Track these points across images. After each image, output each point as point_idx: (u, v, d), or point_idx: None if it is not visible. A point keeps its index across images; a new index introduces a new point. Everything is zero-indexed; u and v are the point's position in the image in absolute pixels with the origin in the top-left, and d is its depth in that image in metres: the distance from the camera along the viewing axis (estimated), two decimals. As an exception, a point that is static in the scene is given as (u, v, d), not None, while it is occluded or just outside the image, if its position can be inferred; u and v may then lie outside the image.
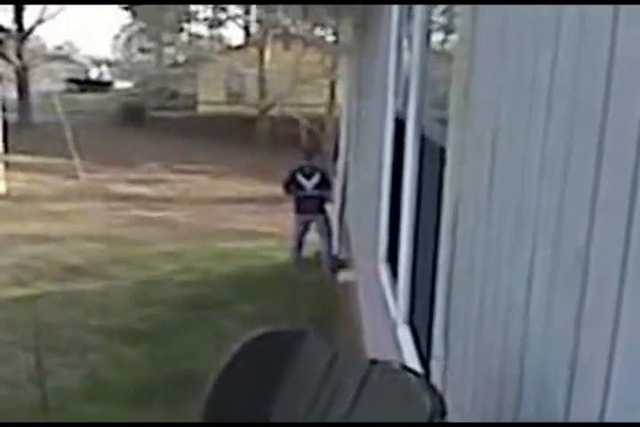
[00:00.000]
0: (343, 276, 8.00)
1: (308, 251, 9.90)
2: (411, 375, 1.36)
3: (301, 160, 9.75)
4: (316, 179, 9.47)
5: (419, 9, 2.74)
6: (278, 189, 10.38)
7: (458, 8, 2.17)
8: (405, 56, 3.51)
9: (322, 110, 25.83)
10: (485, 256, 1.69)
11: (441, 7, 2.57)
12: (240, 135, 26.77)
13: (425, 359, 2.56)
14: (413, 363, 2.57)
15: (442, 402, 1.29)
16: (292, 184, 9.53)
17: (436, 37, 2.68)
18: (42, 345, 6.25)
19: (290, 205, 9.97)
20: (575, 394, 1.16)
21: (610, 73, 1.03)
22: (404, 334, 2.85)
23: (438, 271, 2.10)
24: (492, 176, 1.62)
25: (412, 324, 2.90)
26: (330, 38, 22.86)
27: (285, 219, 11.71)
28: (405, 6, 3.45)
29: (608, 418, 1.03)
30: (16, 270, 9.21)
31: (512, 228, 1.48)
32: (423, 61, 2.70)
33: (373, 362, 1.45)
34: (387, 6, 4.41)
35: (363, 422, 1.43)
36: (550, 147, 1.29)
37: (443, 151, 2.11)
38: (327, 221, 9.67)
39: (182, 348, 6.53)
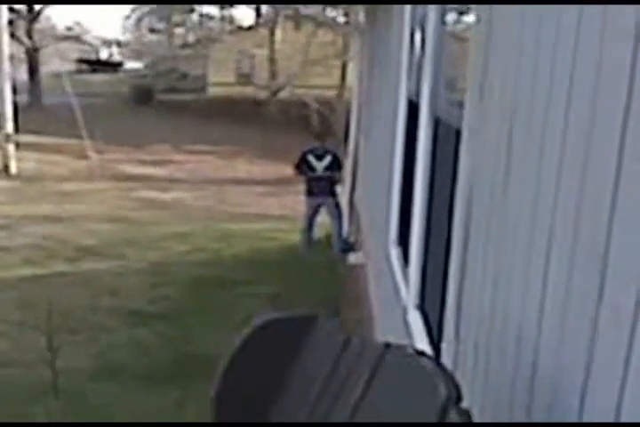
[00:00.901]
0: (353, 258, 8.00)
1: (318, 233, 9.90)
2: (425, 360, 1.34)
3: (312, 141, 9.72)
4: (327, 160, 9.44)
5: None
6: (288, 171, 10.36)
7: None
8: (419, 37, 3.47)
9: (333, 92, 25.70)
10: (500, 240, 1.67)
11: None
12: (250, 117, 26.71)
13: (435, 343, 2.55)
14: (424, 346, 2.57)
15: (457, 388, 1.27)
16: (302, 165, 9.50)
17: (452, 17, 2.65)
18: (54, 325, 6.28)
19: (300, 186, 9.95)
20: (591, 382, 1.14)
21: (635, 56, 1.01)
22: (415, 317, 2.84)
23: (451, 254, 2.08)
24: (509, 159, 1.60)
25: (422, 307, 2.89)
26: (341, 19, 22.67)
27: (295, 200, 11.71)
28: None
29: (625, 412, 1.01)
30: (28, 250, 9.25)
31: (529, 211, 1.46)
32: (438, 42, 2.67)
33: (387, 346, 1.43)
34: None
35: (368, 423, 1.44)
36: (570, 129, 1.27)
37: (458, 133, 2.08)
38: (338, 204, 9.65)
39: (194, 328, 6.55)
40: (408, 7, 3.61)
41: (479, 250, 1.88)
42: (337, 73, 26.60)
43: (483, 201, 1.84)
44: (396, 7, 4.59)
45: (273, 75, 28.98)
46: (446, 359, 2.19)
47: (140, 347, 6.10)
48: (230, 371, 1.52)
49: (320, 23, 23.11)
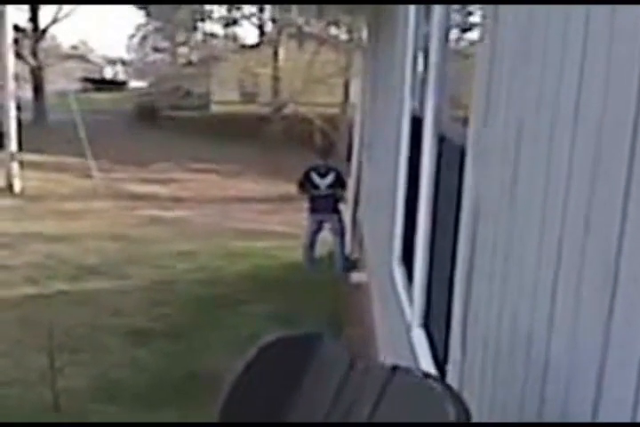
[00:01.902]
0: (356, 276, 7.94)
1: (320, 251, 9.85)
2: (434, 383, 1.31)
3: (316, 159, 9.72)
4: (330, 178, 9.43)
5: (437, 7, 2.69)
6: (291, 189, 10.34)
7: (478, 6, 2.12)
8: (423, 54, 3.46)
9: (336, 110, 25.77)
10: (507, 257, 1.64)
11: (460, 5, 2.51)
12: (253, 134, 26.73)
13: (440, 363, 2.51)
14: (428, 366, 2.52)
15: (466, 411, 1.24)
16: (306, 183, 9.48)
17: (455, 36, 2.63)
18: (55, 345, 6.23)
19: (302, 204, 9.93)
20: (602, 404, 1.11)
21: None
22: (419, 337, 2.80)
23: (456, 273, 2.04)
24: (516, 177, 1.57)
25: (427, 326, 2.85)
26: (344, 37, 22.78)
27: (298, 218, 11.67)
28: (423, 5, 3.40)
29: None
30: (30, 269, 9.21)
31: (536, 231, 1.43)
32: (441, 59, 2.65)
33: (394, 368, 1.39)
34: (402, 5, 4.36)
35: (371, 423, 1.39)
36: (578, 148, 1.24)
37: (462, 151, 2.05)
38: (341, 221, 9.63)
39: (196, 348, 6.50)
40: (412, 24, 3.60)
41: (485, 267, 1.85)
42: (340, 91, 26.70)
43: (489, 217, 1.81)
44: (400, 24, 4.59)
45: (276, 93, 29.08)
46: (452, 379, 2.15)
47: (141, 367, 6.04)
48: (234, 394, 1.48)
49: (323, 41, 23.23)
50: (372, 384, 1.37)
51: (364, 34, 10.22)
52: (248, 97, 32.17)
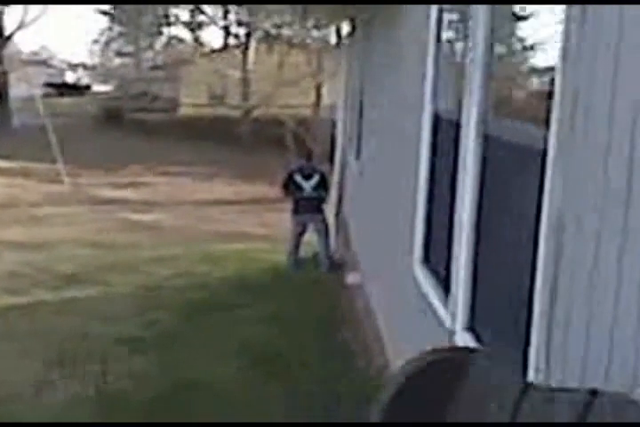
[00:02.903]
0: (351, 277, 7.84)
1: (304, 252, 9.74)
2: None
3: (297, 160, 9.65)
4: (315, 180, 9.35)
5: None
6: (265, 190, 10.24)
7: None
8: (452, 55, 3.38)
9: (307, 111, 25.68)
10: (618, 267, 1.53)
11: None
12: (223, 137, 26.52)
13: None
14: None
15: None
16: (290, 185, 9.38)
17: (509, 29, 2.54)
18: (46, 356, 6.03)
19: (278, 205, 9.83)
20: None
21: None
22: (467, 342, 2.70)
23: (538, 272, 1.92)
24: (631, 183, 1.45)
25: (473, 330, 2.75)
26: (317, 37, 22.63)
27: (275, 220, 11.55)
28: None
29: None
30: (6, 278, 8.95)
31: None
32: (487, 56, 2.54)
33: (593, 393, 1.16)
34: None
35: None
36: None
37: (542, 154, 1.93)
38: (324, 221, 9.56)
39: (191, 354, 6.34)
40: (433, 24, 3.51)
41: (577, 280, 1.71)
42: (312, 93, 26.58)
43: (582, 224, 1.70)
44: (407, 23, 4.51)
45: (246, 95, 28.89)
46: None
47: (133, 375, 5.85)
48: (385, 422, 1.32)
49: (294, 44, 23.13)
50: (563, 415, 1.17)
51: (346, 33, 10.13)
52: (217, 100, 31.86)
